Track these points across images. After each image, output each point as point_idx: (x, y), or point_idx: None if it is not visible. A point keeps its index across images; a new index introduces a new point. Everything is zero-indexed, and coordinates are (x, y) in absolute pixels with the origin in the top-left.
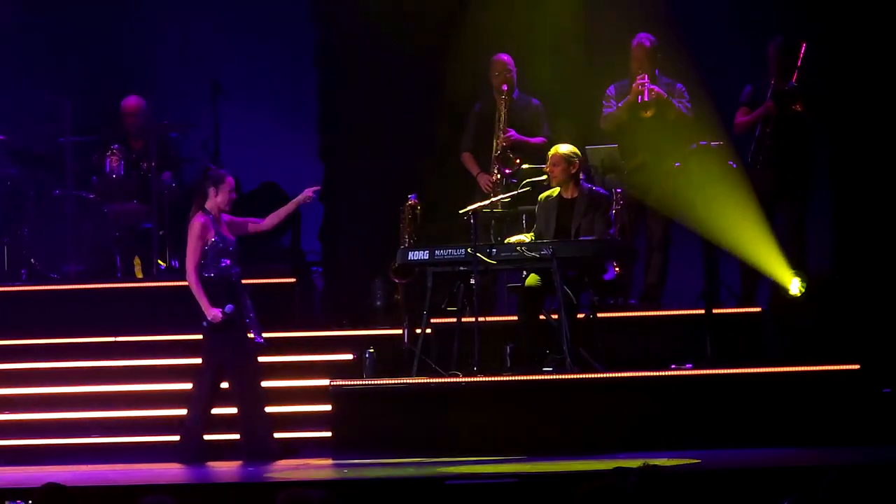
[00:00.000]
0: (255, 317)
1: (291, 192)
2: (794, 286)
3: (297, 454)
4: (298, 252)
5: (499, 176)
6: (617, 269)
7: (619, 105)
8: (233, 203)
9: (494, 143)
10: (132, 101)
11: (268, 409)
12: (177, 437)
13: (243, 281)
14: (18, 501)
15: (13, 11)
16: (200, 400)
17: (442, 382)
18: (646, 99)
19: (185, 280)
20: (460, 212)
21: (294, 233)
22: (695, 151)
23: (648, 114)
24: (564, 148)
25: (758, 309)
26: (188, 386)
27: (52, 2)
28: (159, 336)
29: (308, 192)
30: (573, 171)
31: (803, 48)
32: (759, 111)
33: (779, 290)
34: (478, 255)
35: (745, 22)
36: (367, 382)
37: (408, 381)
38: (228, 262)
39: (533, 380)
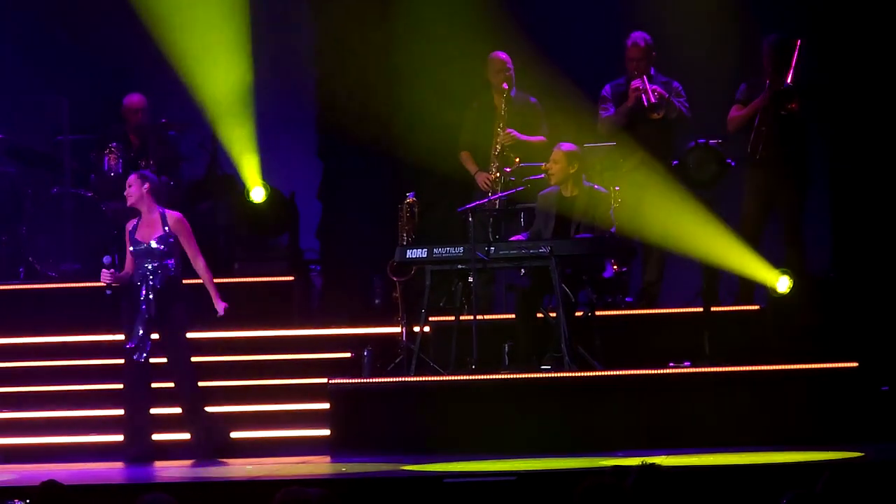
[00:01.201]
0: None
1: (288, 191)
2: (783, 284)
3: (295, 453)
4: (297, 250)
5: (497, 174)
6: (615, 267)
7: (619, 110)
8: (129, 199)
9: (494, 142)
10: (134, 98)
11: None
12: (185, 436)
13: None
14: (17, 500)
15: (11, 10)
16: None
17: (440, 381)
18: (653, 101)
19: (182, 279)
20: (458, 210)
21: (292, 231)
22: (693, 149)
23: (658, 116)
24: (567, 146)
25: (756, 307)
26: (200, 384)
27: (50, 0)
28: (158, 334)
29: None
30: (573, 170)
31: (798, 45)
32: (754, 103)
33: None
34: (476, 253)
35: (740, 18)
36: (365, 381)
37: (406, 379)
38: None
39: (531, 378)
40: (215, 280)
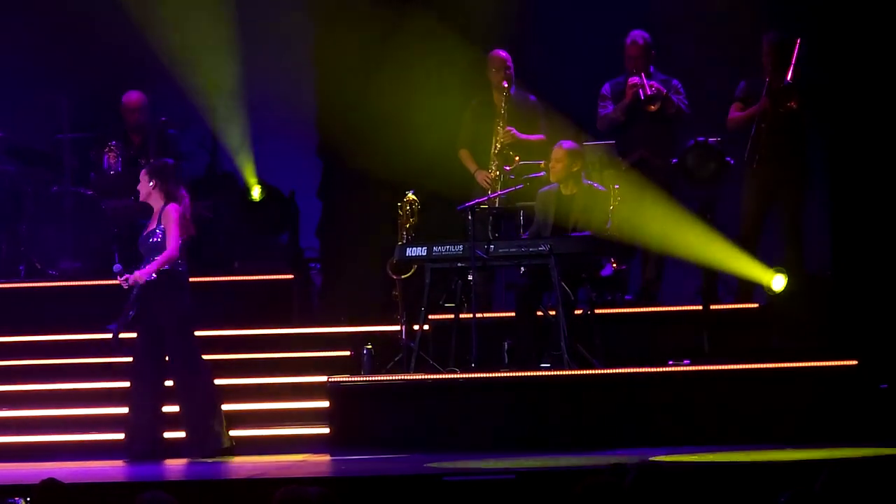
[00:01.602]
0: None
1: (288, 190)
2: (778, 283)
3: (295, 450)
4: (297, 249)
5: (497, 172)
6: (614, 265)
7: (617, 107)
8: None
9: (494, 140)
10: (134, 96)
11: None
12: (180, 434)
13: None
14: (17, 498)
15: (9, 8)
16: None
17: (440, 379)
18: (649, 94)
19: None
20: (458, 208)
21: (292, 230)
22: (692, 148)
23: (654, 108)
24: (568, 144)
25: (755, 305)
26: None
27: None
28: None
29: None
30: (575, 168)
31: (798, 44)
32: (753, 109)
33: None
34: (475, 251)
35: (740, 16)
36: (365, 379)
37: (406, 377)
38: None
39: (530, 376)
40: (214, 278)
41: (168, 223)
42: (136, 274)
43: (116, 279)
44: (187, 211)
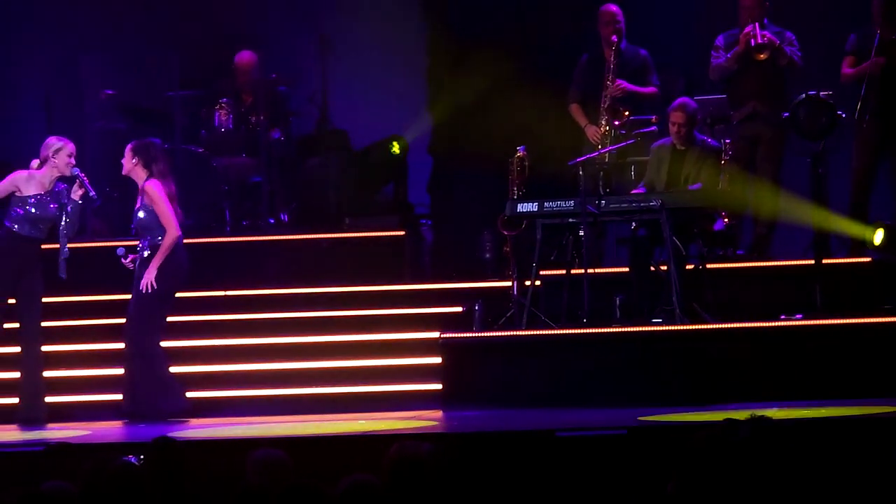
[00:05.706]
0: None
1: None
2: (878, 237)
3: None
4: (408, 205)
5: (607, 127)
6: (726, 219)
7: (729, 56)
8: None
9: (603, 95)
10: (246, 56)
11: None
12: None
13: None
14: (131, 457)
15: None
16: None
17: (551, 334)
18: (759, 41)
19: (294, 234)
20: (569, 163)
21: (403, 186)
22: (803, 102)
23: (763, 56)
24: (690, 105)
25: (868, 259)
26: (313, 339)
27: None
28: (271, 290)
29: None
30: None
31: None
32: (865, 66)
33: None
34: (586, 206)
35: None
36: (476, 334)
37: (517, 333)
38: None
39: (642, 331)
40: (325, 235)
41: (155, 201)
42: (145, 277)
43: (121, 261)
44: (173, 194)
